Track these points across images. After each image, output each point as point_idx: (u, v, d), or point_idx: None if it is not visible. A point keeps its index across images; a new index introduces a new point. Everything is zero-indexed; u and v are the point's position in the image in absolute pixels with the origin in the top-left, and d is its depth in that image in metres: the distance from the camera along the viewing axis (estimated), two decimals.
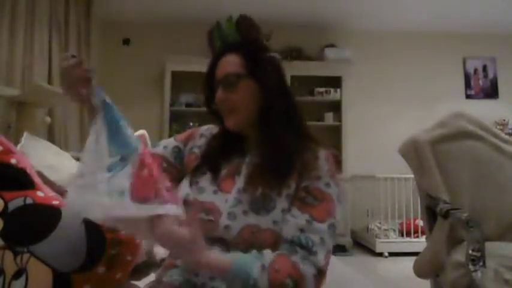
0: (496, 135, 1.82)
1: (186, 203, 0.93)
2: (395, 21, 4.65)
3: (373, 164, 4.34)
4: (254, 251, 0.82)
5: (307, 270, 0.80)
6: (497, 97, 4.89)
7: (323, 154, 0.92)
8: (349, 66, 4.47)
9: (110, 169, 0.81)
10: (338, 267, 1.62)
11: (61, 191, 1.20)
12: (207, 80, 0.99)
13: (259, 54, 0.95)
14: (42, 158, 1.42)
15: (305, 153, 0.91)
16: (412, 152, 1.72)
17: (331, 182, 0.90)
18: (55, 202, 1.12)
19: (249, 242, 0.84)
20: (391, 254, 3.78)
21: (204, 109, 1.06)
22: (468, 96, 4.89)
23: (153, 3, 4.22)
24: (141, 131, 1.73)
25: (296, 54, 4.58)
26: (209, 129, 1.07)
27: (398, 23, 4.68)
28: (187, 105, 4.35)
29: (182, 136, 1.09)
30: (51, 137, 3.09)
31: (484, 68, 4.92)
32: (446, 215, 1.51)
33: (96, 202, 0.77)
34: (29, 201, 1.10)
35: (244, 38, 0.87)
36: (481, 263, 1.33)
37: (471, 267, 1.34)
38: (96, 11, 3.94)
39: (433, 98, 4.65)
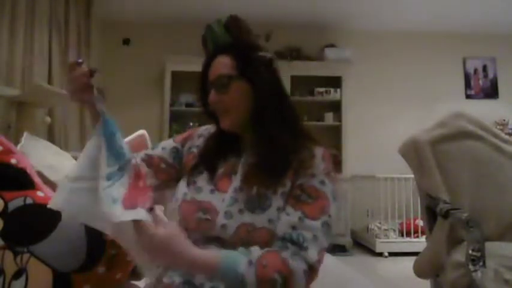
0: (496, 135, 1.82)
1: (184, 202, 0.94)
2: (395, 21, 4.65)
3: (373, 164, 4.34)
4: (241, 248, 0.82)
5: (297, 265, 0.79)
6: (497, 97, 4.89)
7: (319, 152, 0.92)
8: (349, 66, 4.47)
9: (108, 178, 0.84)
10: (338, 267, 1.62)
11: None
12: (201, 82, 1.00)
13: (250, 54, 0.95)
14: (42, 158, 1.42)
15: (301, 152, 0.91)
16: (412, 152, 1.72)
17: (326, 179, 0.89)
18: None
19: (245, 240, 0.84)
20: (391, 254, 3.78)
21: None
22: (468, 96, 4.89)
23: (153, 3, 4.22)
24: (141, 131, 1.73)
25: (296, 54, 4.58)
26: (207, 129, 1.07)
27: (398, 23, 4.68)
28: (187, 105, 4.35)
29: (180, 137, 1.10)
30: (51, 137, 3.10)
31: (484, 68, 4.92)
32: (446, 215, 1.51)
33: (90, 208, 0.81)
34: (29, 201, 1.10)
35: (235, 39, 0.87)
36: (481, 263, 1.33)
37: (471, 267, 1.34)
38: (96, 11, 3.94)
39: (433, 98, 4.65)
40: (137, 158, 1.04)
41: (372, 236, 3.99)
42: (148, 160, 1.04)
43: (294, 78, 4.41)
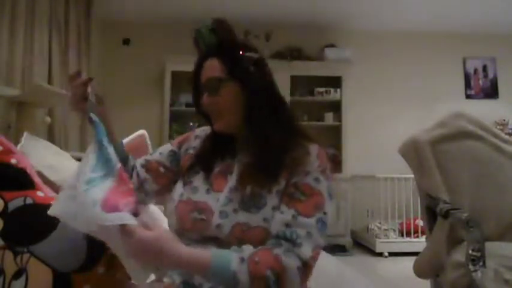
0: (496, 135, 1.82)
1: (180, 202, 0.94)
2: (395, 21, 4.65)
3: (373, 164, 4.34)
4: (234, 246, 0.82)
5: (290, 262, 0.79)
6: (497, 97, 4.89)
7: (314, 150, 0.92)
8: (349, 66, 4.47)
9: (88, 182, 0.87)
10: (338, 267, 1.62)
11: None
12: (194, 84, 1.00)
13: (237, 56, 0.95)
14: (42, 158, 1.42)
15: (296, 150, 0.92)
16: (412, 152, 1.72)
17: (321, 177, 0.89)
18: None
19: (241, 240, 0.84)
20: (391, 254, 3.78)
21: None
22: (468, 96, 4.89)
23: (153, 3, 4.22)
24: (141, 131, 1.73)
25: (296, 54, 4.58)
26: (204, 130, 1.08)
27: (398, 23, 4.68)
28: (187, 105, 4.35)
29: (177, 140, 1.11)
30: (51, 137, 3.10)
31: (484, 68, 4.92)
32: (446, 215, 1.51)
33: (73, 212, 0.84)
34: (29, 201, 1.10)
35: (222, 42, 0.87)
36: (481, 263, 1.33)
37: (471, 267, 1.34)
38: (96, 11, 3.94)
39: (433, 98, 4.65)
40: (137, 165, 1.07)
41: (372, 236, 3.99)
42: (148, 166, 1.06)
43: (294, 78, 4.42)
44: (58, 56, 3.31)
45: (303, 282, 0.82)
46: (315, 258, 0.83)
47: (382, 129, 4.67)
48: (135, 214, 0.84)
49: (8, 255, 1.01)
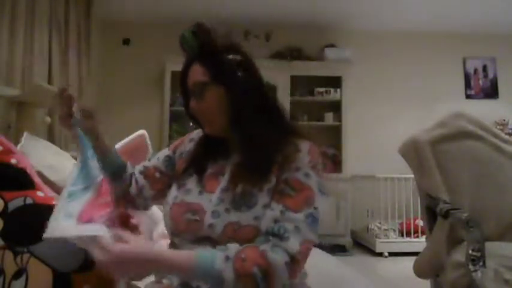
0: (496, 135, 1.82)
1: (174, 205, 0.95)
2: (395, 21, 4.64)
3: (373, 164, 4.34)
4: (220, 245, 0.82)
5: (277, 257, 0.78)
6: (497, 97, 4.89)
7: (305, 146, 0.92)
8: (349, 66, 4.47)
9: (69, 195, 0.90)
10: (338, 267, 1.62)
11: (61, 191, 1.20)
12: (182, 89, 1.01)
13: (219, 59, 0.95)
14: (42, 158, 1.42)
15: (286, 148, 0.92)
16: (412, 152, 1.72)
17: (311, 172, 0.89)
18: (55, 202, 1.12)
19: (233, 239, 0.84)
20: (391, 254, 3.78)
21: None
22: (468, 96, 4.89)
23: (153, 3, 4.22)
24: (141, 131, 1.73)
25: (296, 54, 4.58)
26: (198, 133, 1.09)
27: (398, 23, 4.68)
28: None
29: (173, 145, 1.12)
30: (51, 137, 3.09)
31: (484, 68, 4.92)
32: (446, 215, 1.51)
33: (52, 224, 0.87)
34: (29, 201, 1.10)
35: (204, 46, 0.87)
36: (481, 263, 1.33)
37: (471, 267, 1.34)
38: (96, 11, 3.94)
39: (433, 98, 4.65)
40: (136, 171, 1.08)
41: (372, 236, 3.98)
42: (145, 172, 1.08)
43: (294, 78, 4.42)
44: (58, 56, 3.31)
45: (292, 277, 0.81)
46: (304, 252, 0.82)
47: (382, 129, 4.67)
48: (111, 226, 0.84)
49: (8, 255, 1.01)
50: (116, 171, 1.04)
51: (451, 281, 1.46)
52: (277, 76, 4.34)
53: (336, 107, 4.51)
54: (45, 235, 0.88)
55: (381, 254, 3.81)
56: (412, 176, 1.78)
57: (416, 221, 3.84)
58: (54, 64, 3.23)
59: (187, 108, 1.00)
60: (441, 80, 4.81)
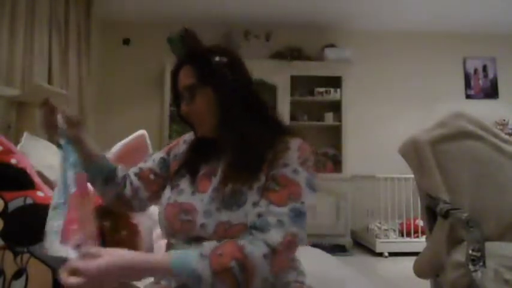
0: (496, 135, 1.82)
1: (168, 205, 0.96)
2: (395, 21, 4.64)
3: (373, 164, 4.33)
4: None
5: (255, 250, 0.78)
6: (497, 97, 4.89)
7: (296, 144, 0.93)
8: (349, 66, 4.47)
9: (54, 208, 0.90)
10: (338, 267, 1.62)
11: None
12: (174, 91, 1.02)
13: (207, 61, 0.96)
14: (42, 158, 1.42)
15: (277, 146, 0.92)
16: (412, 152, 1.72)
17: (300, 168, 0.89)
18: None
19: (224, 238, 0.84)
20: (391, 254, 3.78)
21: None
22: (468, 96, 4.89)
23: (153, 3, 4.22)
24: (141, 131, 1.73)
25: (296, 54, 4.57)
26: (191, 135, 1.09)
27: (398, 23, 4.68)
28: None
29: (168, 147, 1.14)
30: (51, 140, 3.09)
31: (484, 68, 4.92)
32: (446, 215, 1.51)
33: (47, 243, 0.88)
34: (29, 201, 1.10)
35: (191, 49, 0.89)
36: (481, 263, 1.33)
37: (471, 267, 1.34)
38: (96, 11, 3.94)
39: (433, 98, 4.65)
40: (130, 173, 1.09)
41: (372, 236, 3.98)
42: (140, 174, 1.09)
43: (294, 78, 4.42)
44: (58, 56, 3.31)
45: (274, 270, 0.80)
46: (286, 245, 0.81)
47: (382, 129, 4.67)
48: (78, 245, 0.84)
49: (8, 255, 1.01)
50: (107, 176, 1.05)
51: (451, 281, 1.46)
52: (277, 76, 4.34)
53: (336, 107, 4.51)
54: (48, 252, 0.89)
55: (381, 254, 3.81)
56: (412, 176, 1.78)
57: (416, 221, 3.84)
58: (54, 64, 3.23)
59: (179, 111, 1.02)
60: (441, 80, 4.81)
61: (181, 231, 0.92)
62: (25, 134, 1.51)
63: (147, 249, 1.40)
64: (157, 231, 1.56)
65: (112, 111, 4.49)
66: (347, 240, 4.15)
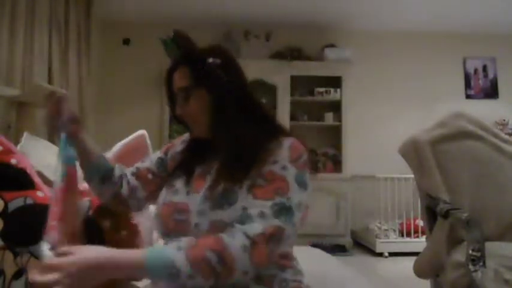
0: (496, 135, 1.82)
1: (163, 205, 0.97)
2: (395, 21, 4.65)
3: (373, 164, 4.33)
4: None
5: (233, 241, 0.77)
6: (497, 97, 4.89)
7: (288, 142, 0.93)
8: (349, 66, 4.47)
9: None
10: (338, 267, 1.61)
11: None
12: (169, 93, 1.03)
13: (200, 63, 0.96)
14: (42, 158, 1.42)
15: (269, 145, 0.92)
16: (412, 152, 1.72)
17: (289, 165, 0.89)
18: None
19: None
20: (391, 254, 3.78)
21: None
22: (468, 96, 4.89)
23: (153, 3, 4.22)
24: (141, 131, 1.72)
25: (296, 54, 4.58)
26: (188, 136, 1.10)
27: (398, 23, 4.68)
28: None
29: (165, 147, 1.14)
30: (51, 137, 3.09)
31: (484, 68, 4.92)
32: (446, 215, 1.51)
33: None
34: (29, 201, 1.10)
35: (185, 51, 0.90)
36: (481, 263, 1.33)
37: (471, 267, 1.34)
38: (96, 11, 3.94)
39: (433, 98, 4.65)
40: (127, 173, 1.09)
41: (372, 236, 3.98)
42: (138, 173, 1.09)
43: (294, 78, 4.42)
44: (58, 56, 3.31)
45: (255, 261, 0.79)
46: (267, 237, 0.80)
47: (382, 129, 4.67)
48: (53, 247, 0.84)
49: (8, 255, 1.01)
50: (104, 175, 1.05)
51: (451, 281, 1.46)
52: (277, 76, 4.34)
53: (336, 107, 4.51)
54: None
55: (381, 254, 3.81)
56: (412, 176, 1.78)
57: (416, 221, 3.84)
58: (54, 64, 3.23)
59: (173, 113, 1.02)
60: (441, 80, 4.81)
61: (175, 230, 0.92)
62: (25, 134, 1.51)
63: None
64: None
65: (112, 111, 4.49)
66: (347, 240, 4.15)
